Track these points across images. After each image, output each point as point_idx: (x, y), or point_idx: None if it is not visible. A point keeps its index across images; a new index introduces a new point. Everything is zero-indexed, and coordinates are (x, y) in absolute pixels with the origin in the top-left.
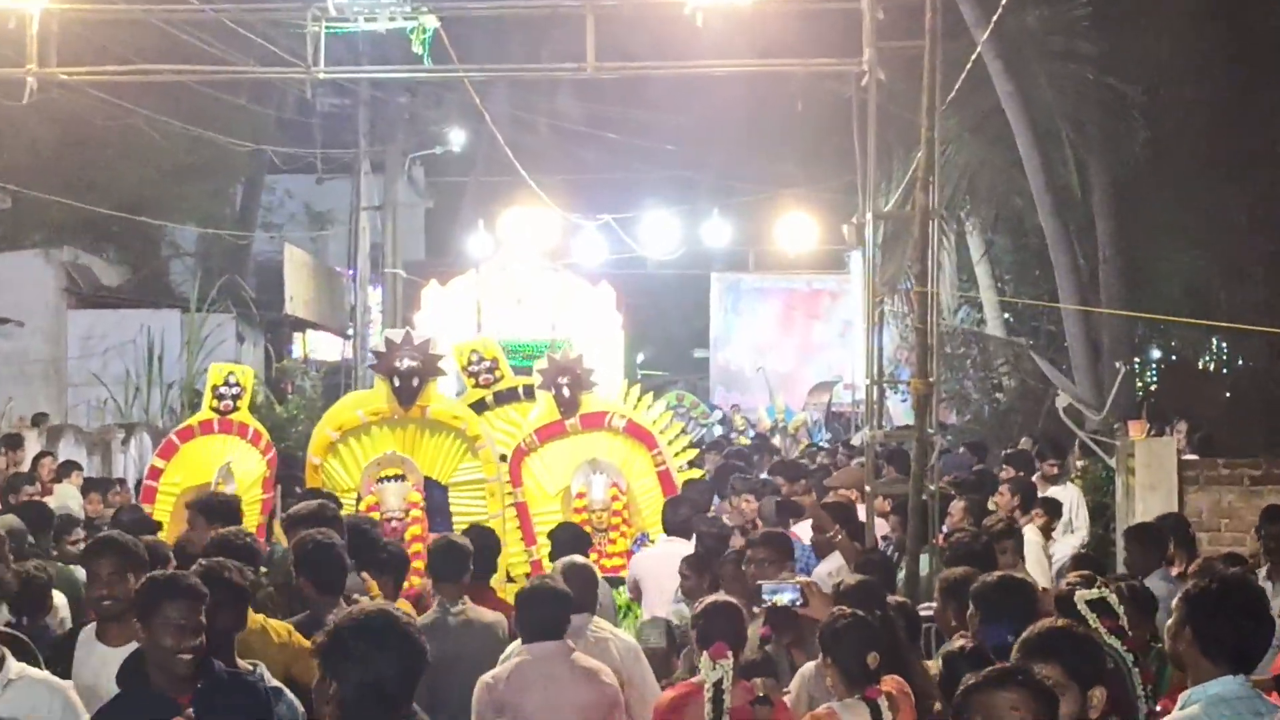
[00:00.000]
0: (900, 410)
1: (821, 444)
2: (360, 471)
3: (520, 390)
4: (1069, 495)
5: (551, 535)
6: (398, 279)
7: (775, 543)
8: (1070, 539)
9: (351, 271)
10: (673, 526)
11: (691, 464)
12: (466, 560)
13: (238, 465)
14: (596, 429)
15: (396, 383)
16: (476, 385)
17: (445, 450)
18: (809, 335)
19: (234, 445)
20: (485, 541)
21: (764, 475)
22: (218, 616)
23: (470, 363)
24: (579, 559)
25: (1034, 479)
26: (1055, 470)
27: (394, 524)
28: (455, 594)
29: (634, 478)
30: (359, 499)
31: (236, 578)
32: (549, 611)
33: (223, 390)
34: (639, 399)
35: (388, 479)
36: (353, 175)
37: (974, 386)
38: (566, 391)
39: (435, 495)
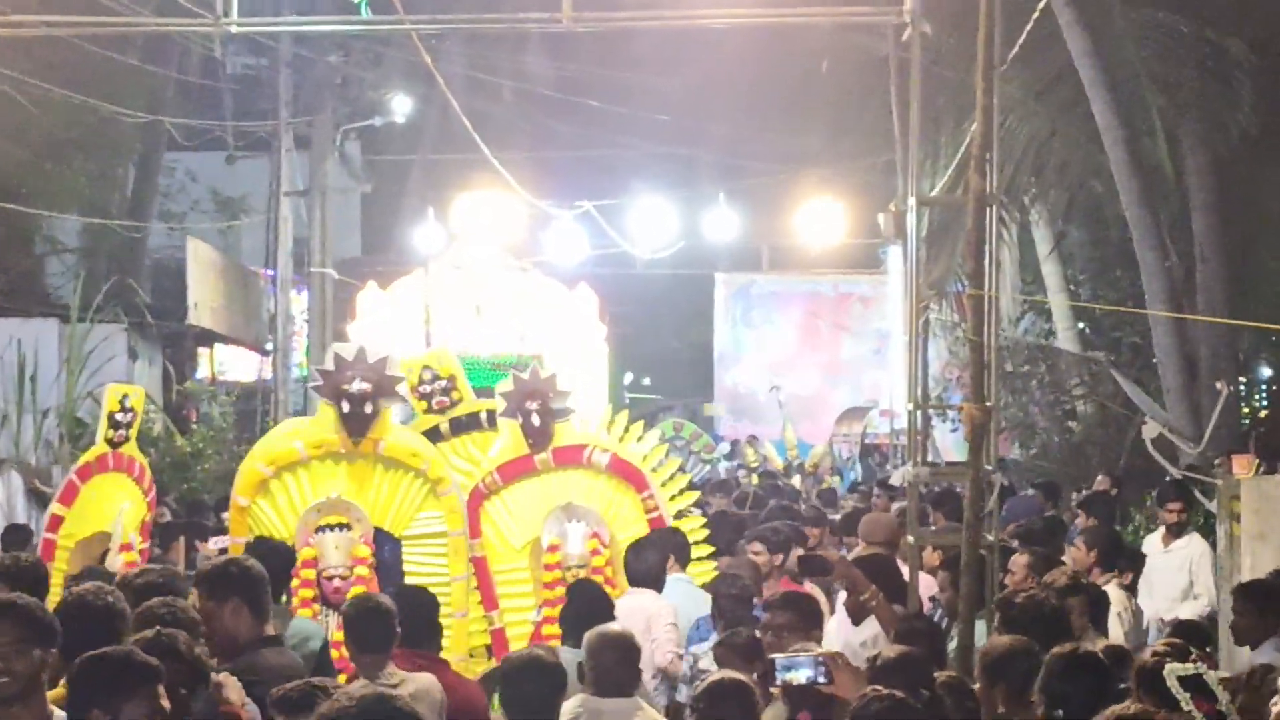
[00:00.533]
0: (950, 442)
1: (856, 484)
2: (297, 518)
3: (483, 417)
4: (1191, 550)
5: (570, 594)
6: (327, 280)
7: (797, 606)
8: (1187, 608)
9: (270, 272)
10: (637, 575)
11: (698, 506)
12: (394, 625)
13: (130, 510)
14: (573, 466)
15: (345, 408)
16: (429, 410)
17: (401, 495)
18: (836, 350)
19: (127, 485)
20: (418, 603)
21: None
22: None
23: (422, 381)
24: (613, 629)
25: (1158, 532)
26: (1177, 517)
27: (336, 583)
28: (379, 666)
29: (619, 527)
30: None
31: (192, 651)
32: (533, 689)
33: (119, 417)
34: (626, 428)
35: (329, 528)
36: (272, 153)
37: (1042, 413)
38: (536, 419)
39: (386, 550)
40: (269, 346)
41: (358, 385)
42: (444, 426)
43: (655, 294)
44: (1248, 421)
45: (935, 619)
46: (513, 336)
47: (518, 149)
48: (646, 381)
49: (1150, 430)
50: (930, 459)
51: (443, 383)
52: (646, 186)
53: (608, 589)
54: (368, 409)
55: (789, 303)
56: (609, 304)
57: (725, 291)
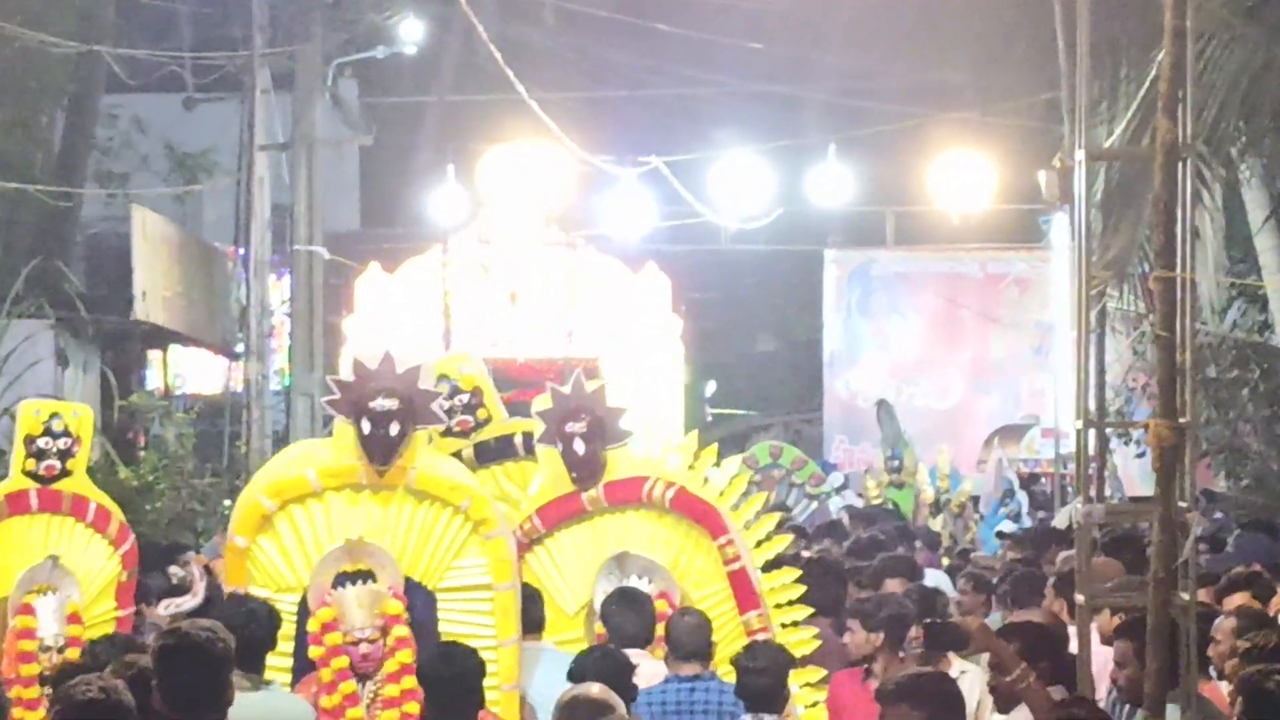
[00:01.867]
0: (1134, 471)
1: (1004, 526)
2: (309, 564)
3: (518, 441)
4: None
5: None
6: (316, 261)
7: (918, 692)
8: None
9: (241, 251)
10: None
11: (798, 561)
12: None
13: (75, 561)
14: (631, 505)
15: (367, 429)
16: (449, 432)
17: (436, 537)
18: (984, 349)
19: (61, 531)
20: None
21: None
22: None
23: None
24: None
25: None
26: None
27: (363, 648)
28: None
29: (693, 584)
30: (304, 610)
31: None
32: None
33: (42, 443)
34: (697, 453)
35: (349, 579)
36: (243, 94)
37: (1255, 432)
38: (580, 446)
39: (416, 606)
40: (240, 348)
41: (382, 402)
42: (467, 454)
43: (745, 277)
44: None
45: (1110, 706)
46: (558, 334)
47: (564, 87)
48: (734, 392)
49: None
50: (1108, 492)
51: (464, 396)
52: (734, 136)
53: None
54: (394, 431)
55: (921, 287)
56: (685, 290)
57: (838, 272)
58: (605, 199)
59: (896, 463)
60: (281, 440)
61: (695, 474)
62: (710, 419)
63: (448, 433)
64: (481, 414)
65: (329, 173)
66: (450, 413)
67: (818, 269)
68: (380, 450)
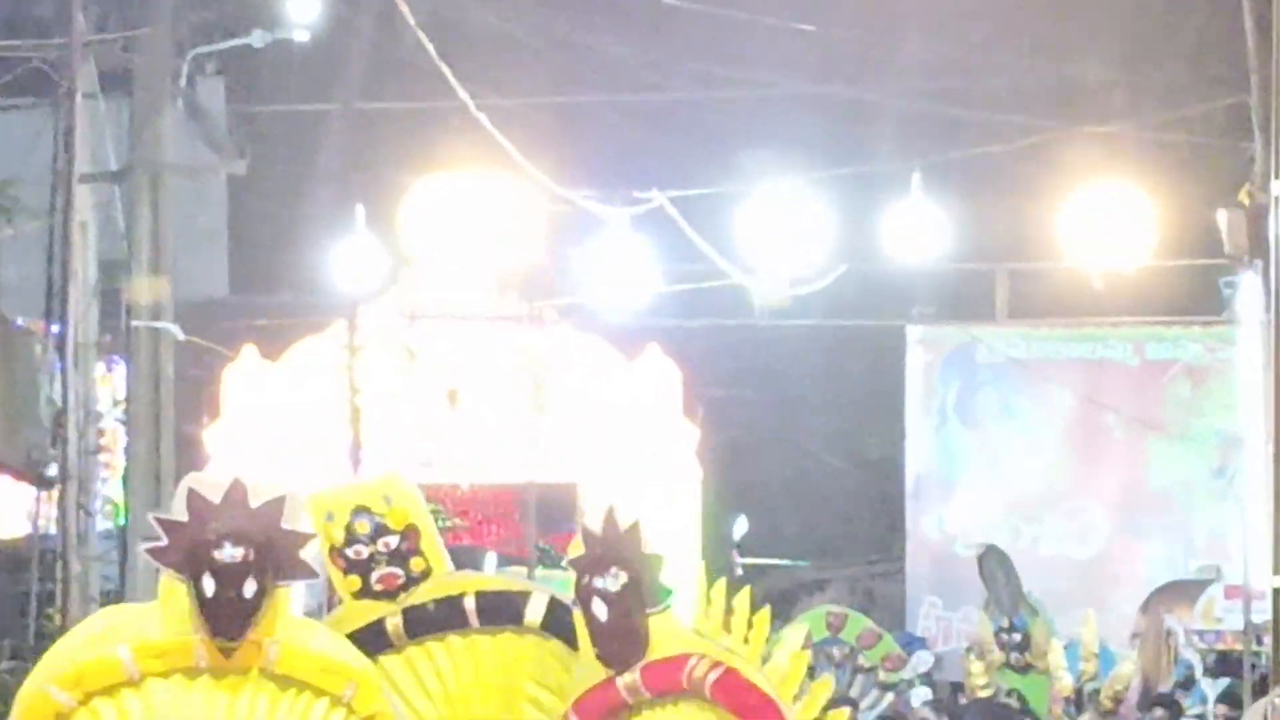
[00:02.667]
0: None
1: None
2: None
3: (470, 605)
4: None
5: None
6: (164, 343)
7: None
8: None
9: (55, 329)
10: None
11: None
12: None
13: None
14: (674, 695)
15: (210, 590)
16: (364, 591)
17: None
18: (1139, 469)
19: None
20: None
21: None
22: None
23: (353, 537)
24: None
25: None
26: None
27: None
28: None
29: None
30: None
31: None
32: None
33: None
34: (751, 620)
35: None
36: (57, 101)
37: None
38: (603, 609)
39: None
40: (53, 471)
41: (230, 551)
42: (393, 623)
43: (791, 366)
44: None
45: None
46: (518, 448)
47: (528, 90)
48: (775, 532)
49: None
50: None
51: (392, 539)
52: (774, 161)
53: None
54: (247, 591)
55: (1048, 380)
56: (702, 384)
57: (926, 358)
58: (587, 253)
59: (1019, 637)
60: (114, 604)
61: (751, 645)
62: (740, 571)
63: (365, 592)
64: (417, 564)
65: (185, 215)
66: (370, 563)
67: (897, 354)
68: (227, 619)
